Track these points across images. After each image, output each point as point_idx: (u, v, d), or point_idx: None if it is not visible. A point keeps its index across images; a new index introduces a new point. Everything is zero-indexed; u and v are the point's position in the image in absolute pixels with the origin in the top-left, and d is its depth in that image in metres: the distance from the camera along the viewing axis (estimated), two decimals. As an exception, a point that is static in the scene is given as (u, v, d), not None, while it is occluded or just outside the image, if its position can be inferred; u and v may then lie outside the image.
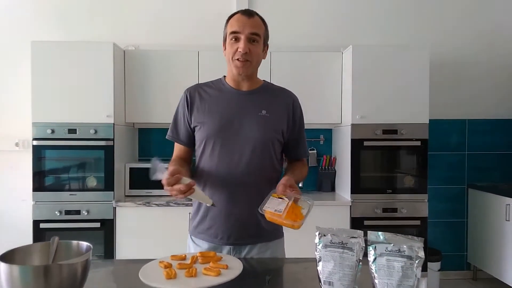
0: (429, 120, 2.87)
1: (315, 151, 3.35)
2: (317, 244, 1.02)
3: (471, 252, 3.44)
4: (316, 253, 1.02)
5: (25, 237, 2.70)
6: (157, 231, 2.76)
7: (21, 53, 3.07)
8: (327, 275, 0.99)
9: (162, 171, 1.17)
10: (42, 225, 2.71)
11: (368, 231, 0.98)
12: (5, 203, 3.22)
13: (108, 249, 2.75)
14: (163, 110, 2.98)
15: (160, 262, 1.12)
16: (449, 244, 3.45)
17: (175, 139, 1.47)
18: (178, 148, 1.48)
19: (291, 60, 3.04)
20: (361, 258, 0.98)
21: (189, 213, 2.75)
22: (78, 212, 2.73)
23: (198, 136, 1.40)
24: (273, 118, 1.39)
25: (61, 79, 2.74)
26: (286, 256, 1.47)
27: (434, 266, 3.11)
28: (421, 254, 0.94)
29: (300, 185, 3.08)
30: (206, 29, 3.30)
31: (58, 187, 2.77)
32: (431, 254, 3.09)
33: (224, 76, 1.47)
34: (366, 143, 2.85)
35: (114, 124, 2.78)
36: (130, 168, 2.97)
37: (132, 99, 3.01)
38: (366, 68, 2.85)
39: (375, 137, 2.85)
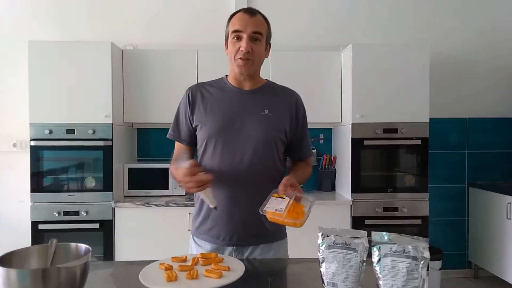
0: (430, 119, 2.87)
1: (315, 151, 3.34)
2: (320, 245, 1.01)
3: (472, 250, 3.43)
4: (319, 254, 1.01)
5: (24, 239, 2.69)
6: (157, 231, 2.75)
7: (19, 53, 3.06)
8: (331, 276, 0.98)
9: (184, 160, 1.19)
10: (40, 226, 2.69)
11: (372, 232, 0.97)
12: (3, 204, 3.20)
13: (107, 250, 2.73)
14: (161, 110, 2.97)
15: (160, 264, 1.10)
16: (450, 242, 3.44)
17: (176, 138, 1.46)
18: (179, 148, 1.47)
19: (290, 59, 3.03)
20: (365, 259, 0.97)
21: (189, 213, 2.74)
22: (77, 213, 2.72)
23: (200, 135, 1.39)
24: (275, 117, 1.37)
25: (58, 79, 2.72)
26: (289, 257, 1.46)
27: (435, 265, 3.09)
28: (426, 254, 0.93)
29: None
30: (205, 28, 3.29)
31: (56, 188, 2.75)
32: (432, 253, 3.01)
33: (226, 75, 1.45)
34: (366, 142, 2.84)
35: (112, 124, 2.76)
36: (129, 169, 2.96)
37: (131, 99, 2.99)
38: (366, 67, 2.83)
39: (376, 136, 2.84)
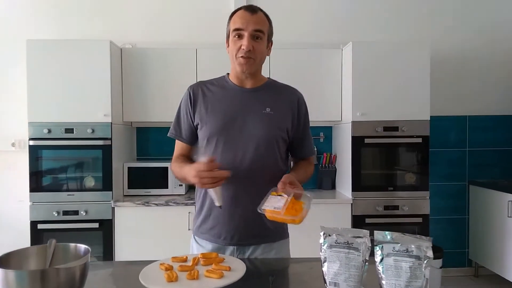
0: (430, 116, 2.85)
1: (315, 149, 3.33)
2: (322, 244, 1.00)
3: (472, 248, 3.42)
4: (321, 253, 1.00)
5: (23, 239, 2.68)
6: (157, 231, 2.74)
7: (17, 52, 3.04)
8: (333, 276, 0.97)
9: (203, 155, 1.20)
10: (40, 226, 2.68)
11: (375, 231, 0.96)
12: (2, 204, 3.19)
13: (107, 249, 2.73)
14: (161, 108, 2.95)
15: (160, 264, 1.09)
16: (450, 241, 3.44)
17: (178, 136, 1.44)
18: (180, 146, 1.45)
19: (290, 57, 3.01)
20: (367, 258, 0.96)
21: (189, 212, 2.73)
22: (76, 212, 2.71)
23: (201, 134, 1.38)
24: (277, 116, 1.37)
25: (57, 78, 2.71)
26: (291, 257, 1.45)
27: (435, 263, 3.07)
28: (430, 254, 0.92)
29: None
30: (204, 27, 3.27)
31: (55, 188, 2.73)
32: (432, 251, 3.07)
33: (228, 74, 1.44)
34: (367, 140, 2.83)
35: (111, 123, 2.75)
36: (129, 168, 2.95)
37: (130, 98, 2.98)
38: (366, 65, 2.82)
39: (376, 134, 2.83)
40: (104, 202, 2.73)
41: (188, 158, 1.44)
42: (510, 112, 3.46)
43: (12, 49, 3.13)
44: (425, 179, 2.86)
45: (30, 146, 2.70)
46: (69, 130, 2.71)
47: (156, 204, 2.73)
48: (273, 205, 1.12)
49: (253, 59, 1.32)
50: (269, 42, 1.39)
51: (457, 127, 3.45)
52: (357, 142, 2.84)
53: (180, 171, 1.34)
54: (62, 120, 2.71)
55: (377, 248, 0.95)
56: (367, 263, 0.96)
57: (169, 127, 1.47)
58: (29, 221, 2.69)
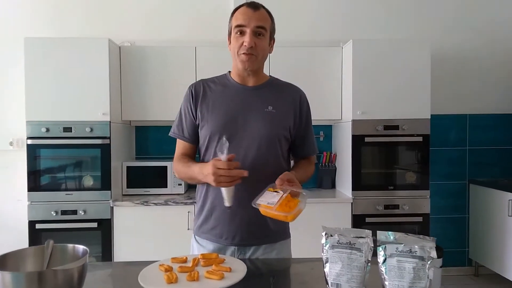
0: (430, 115, 2.84)
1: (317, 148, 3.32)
2: (324, 244, 0.99)
3: (472, 248, 3.42)
4: (322, 254, 0.99)
5: (21, 238, 2.66)
6: (156, 230, 2.72)
7: (15, 50, 3.02)
8: (335, 276, 0.96)
9: (223, 153, 1.18)
10: (38, 226, 2.66)
11: (378, 231, 0.95)
12: (0, 204, 3.17)
13: (105, 249, 2.71)
14: (160, 107, 2.94)
15: (160, 265, 1.08)
16: (450, 240, 3.43)
17: (180, 136, 1.42)
18: (182, 146, 1.43)
19: (290, 55, 3.00)
20: (369, 259, 0.95)
21: (188, 212, 2.71)
22: (74, 212, 2.69)
23: (202, 132, 1.37)
24: (279, 114, 1.35)
25: (55, 76, 2.69)
26: (292, 257, 1.44)
27: (436, 262, 3.08)
28: (433, 254, 0.90)
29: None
30: (203, 25, 3.25)
31: (54, 187, 2.72)
32: None
33: (229, 72, 1.43)
34: (367, 139, 2.82)
35: (110, 122, 2.73)
36: (127, 167, 2.93)
37: (128, 96, 2.96)
38: (366, 63, 2.81)
39: (376, 133, 2.82)
40: (102, 202, 2.71)
41: (190, 157, 1.42)
42: (510, 110, 3.45)
43: (9, 48, 3.11)
44: (425, 178, 2.85)
45: (28, 145, 2.68)
46: (67, 129, 2.69)
47: (155, 204, 2.71)
48: (268, 200, 1.11)
49: (255, 56, 1.30)
50: (271, 39, 1.38)
51: (457, 125, 3.44)
52: (357, 141, 2.83)
53: (186, 170, 1.33)
54: (60, 119, 2.69)
55: (380, 248, 0.94)
56: (369, 264, 0.95)
57: (168, 126, 1.45)
58: (27, 221, 2.67)
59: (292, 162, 1.51)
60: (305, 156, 1.48)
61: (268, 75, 1.46)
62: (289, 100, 1.40)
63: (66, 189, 2.72)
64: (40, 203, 2.68)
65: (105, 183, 2.72)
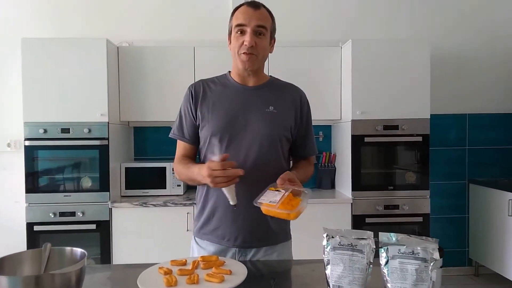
0: (430, 115, 2.83)
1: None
2: (325, 246, 0.98)
3: (472, 248, 3.41)
4: (324, 256, 0.98)
5: (19, 241, 2.65)
6: (155, 232, 2.70)
7: (12, 51, 3.00)
8: (336, 278, 0.95)
9: (215, 154, 1.18)
10: (36, 228, 2.64)
11: (380, 233, 0.94)
12: (-2, 206, 3.15)
13: (104, 251, 2.69)
14: (158, 108, 2.92)
15: (159, 268, 1.07)
16: (450, 240, 3.43)
17: (180, 137, 1.41)
18: (182, 147, 1.42)
19: (289, 55, 2.99)
20: (371, 261, 0.94)
21: (187, 213, 2.70)
22: (73, 213, 2.67)
23: (203, 133, 1.36)
24: (280, 114, 1.34)
25: (53, 77, 2.67)
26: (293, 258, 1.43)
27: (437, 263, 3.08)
28: (436, 255, 0.89)
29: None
30: (202, 25, 3.24)
31: (52, 188, 2.70)
32: None
33: (229, 72, 1.42)
34: (366, 139, 2.81)
35: (108, 123, 2.71)
36: (126, 168, 2.91)
37: (127, 97, 2.95)
38: (366, 63, 2.80)
39: (376, 133, 2.81)
40: (101, 203, 2.70)
41: (191, 159, 1.41)
42: (510, 110, 3.45)
43: (7, 48, 3.09)
44: (425, 178, 2.85)
45: (25, 147, 2.66)
46: (65, 130, 2.68)
47: (154, 205, 2.70)
48: (269, 199, 1.11)
49: (255, 55, 1.30)
50: (272, 39, 1.38)
51: (457, 125, 3.43)
52: (357, 141, 2.82)
53: (186, 172, 1.32)
54: (58, 120, 2.67)
55: (382, 250, 0.93)
56: (371, 266, 0.94)
57: (167, 127, 1.44)
58: (25, 223, 2.65)
59: (291, 163, 1.50)
60: (305, 156, 1.47)
61: (268, 75, 1.44)
62: (290, 100, 1.39)
63: (64, 191, 2.71)
64: (38, 205, 2.66)
65: (103, 185, 2.71)
